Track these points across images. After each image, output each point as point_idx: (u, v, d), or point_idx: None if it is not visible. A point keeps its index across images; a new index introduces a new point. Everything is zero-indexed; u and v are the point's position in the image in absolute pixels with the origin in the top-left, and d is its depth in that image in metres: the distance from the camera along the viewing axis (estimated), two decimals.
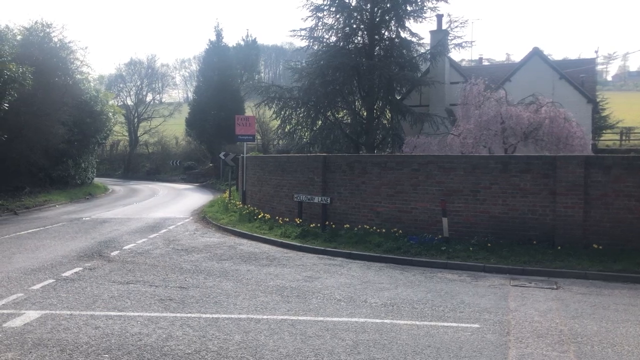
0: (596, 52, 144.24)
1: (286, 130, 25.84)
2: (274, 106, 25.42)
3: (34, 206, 23.21)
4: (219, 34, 49.15)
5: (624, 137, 40.50)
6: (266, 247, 13.51)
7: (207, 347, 6.21)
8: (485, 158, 13.42)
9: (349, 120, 25.52)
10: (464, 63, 52.08)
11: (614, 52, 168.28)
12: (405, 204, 13.74)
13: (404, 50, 24.69)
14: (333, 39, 25.26)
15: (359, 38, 25.23)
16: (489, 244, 11.98)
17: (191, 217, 20.05)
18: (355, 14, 24.42)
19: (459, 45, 24.91)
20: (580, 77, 27.24)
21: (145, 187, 39.66)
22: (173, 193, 33.93)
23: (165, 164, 57.34)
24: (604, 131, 41.31)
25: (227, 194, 24.02)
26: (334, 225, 14.34)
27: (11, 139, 22.77)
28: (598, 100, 35.59)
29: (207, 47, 49.86)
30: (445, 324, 7.20)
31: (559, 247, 11.68)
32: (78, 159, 32.88)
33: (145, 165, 59.73)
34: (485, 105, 19.12)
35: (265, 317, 7.40)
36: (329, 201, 14.49)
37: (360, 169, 14.55)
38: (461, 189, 13.00)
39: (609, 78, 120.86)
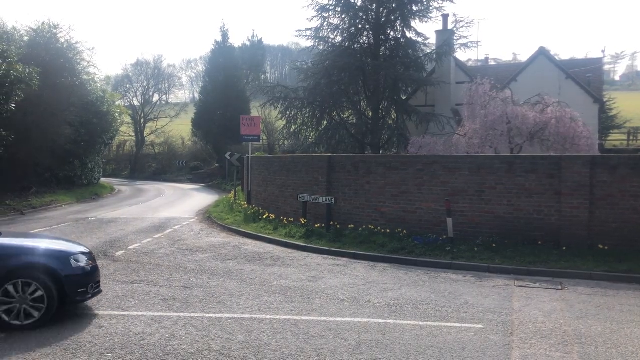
0: (603, 51, 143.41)
1: (292, 130, 25.89)
2: (279, 106, 25.48)
3: (41, 206, 23.33)
4: (224, 35, 49.27)
5: (631, 137, 40.26)
6: (270, 247, 13.52)
7: (210, 346, 6.23)
8: (490, 158, 13.38)
9: (355, 121, 25.54)
10: (470, 63, 51.87)
11: (622, 52, 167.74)
12: (410, 204, 13.71)
13: (410, 50, 24.69)
14: (339, 39, 25.30)
15: (364, 38, 25.25)
16: (494, 245, 11.94)
17: (196, 217, 20.09)
18: (361, 14, 24.43)
19: (465, 45, 24.92)
20: (587, 77, 27.14)
21: (151, 188, 39.78)
22: (179, 193, 34.02)
23: (171, 164, 57.47)
24: (611, 131, 41.14)
25: (232, 194, 24.07)
26: (338, 226, 14.32)
27: (18, 139, 22.86)
28: (605, 100, 35.47)
29: (213, 48, 50.00)
30: (449, 324, 7.19)
31: (564, 248, 11.62)
32: (84, 159, 33.00)
33: (152, 165, 59.90)
34: (491, 105, 19.06)
35: (268, 317, 7.41)
36: (333, 201, 14.48)
37: (365, 169, 14.53)
38: (466, 189, 12.96)
39: (617, 78, 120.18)
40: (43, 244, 7.54)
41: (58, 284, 6.94)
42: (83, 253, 7.57)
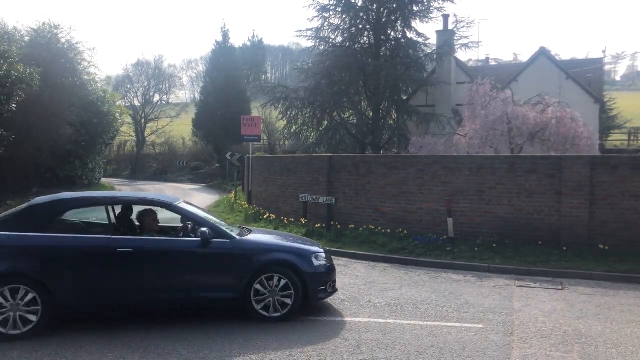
0: (604, 51, 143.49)
1: (292, 130, 25.89)
2: (280, 107, 25.49)
3: None
4: (225, 35, 49.24)
5: (632, 137, 40.22)
6: None
7: (210, 346, 6.25)
8: (491, 158, 13.38)
9: (355, 121, 25.54)
10: (470, 63, 51.86)
11: (623, 52, 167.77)
12: (411, 204, 13.72)
13: (410, 51, 24.69)
14: (339, 39, 25.31)
15: (365, 38, 25.26)
16: (494, 245, 11.94)
17: None
18: (362, 14, 24.44)
19: (466, 45, 24.90)
20: (588, 77, 27.16)
21: (152, 188, 39.77)
22: (179, 193, 33.97)
23: (172, 164, 57.46)
24: (612, 131, 41.11)
25: (233, 195, 24.09)
26: (339, 226, 14.33)
27: (19, 139, 22.87)
28: (606, 100, 35.49)
29: (214, 48, 49.99)
30: (449, 324, 7.20)
31: (565, 248, 11.63)
32: (85, 159, 33.03)
33: (152, 165, 59.90)
34: (492, 105, 19.07)
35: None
36: (334, 201, 14.49)
37: (366, 169, 14.55)
38: (466, 189, 12.97)
39: (618, 78, 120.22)
40: (287, 242, 7.93)
41: (302, 281, 7.22)
42: (321, 252, 7.74)
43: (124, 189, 37.48)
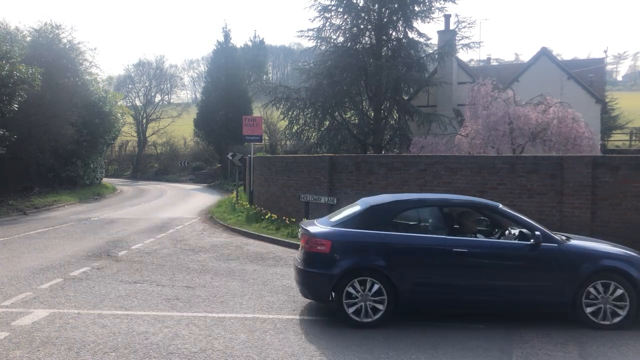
0: (605, 51, 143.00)
1: (293, 130, 25.92)
2: (281, 107, 25.53)
3: (43, 206, 23.39)
4: (226, 35, 49.26)
5: (633, 138, 40.19)
6: (273, 247, 13.54)
7: (213, 345, 6.26)
8: (492, 158, 13.38)
9: (357, 121, 25.58)
10: (472, 63, 51.96)
11: (625, 52, 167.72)
12: None
13: (412, 51, 24.72)
14: (340, 39, 25.36)
15: (366, 38, 25.30)
16: None
17: (198, 218, 20.13)
18: (363, 14, 24.47)
19: (467, 45, 24.93)
20: (589, 77, 27.17)
21: (153, 188, 39.87)
22: (181, 193, 34.09)
23: (173, 164, 57.59)
24: (613, 131, 41.06)
25: (234, 195, 24.11)
26: None
27: (21, 139, 22.95)
28: (607, 100, 35.49)
29: (215, 48, 49.99)
30: (450, 324, 7.20)
31: None
32: (87, 159, 33.11)
33: (154, 165, 60.03)
34: (493, 105, 19.08)
35: (271, 316, 7.43)
36: (335, 201, 14.49)
37: (367, 170, 14.55)
38: (468, 189, 12.96)
39: (620, 78, 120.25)
40: (613, 249, 7.70)
41: (635, 290, 7.06)
42: None
43: (126, 189, 37.57)
